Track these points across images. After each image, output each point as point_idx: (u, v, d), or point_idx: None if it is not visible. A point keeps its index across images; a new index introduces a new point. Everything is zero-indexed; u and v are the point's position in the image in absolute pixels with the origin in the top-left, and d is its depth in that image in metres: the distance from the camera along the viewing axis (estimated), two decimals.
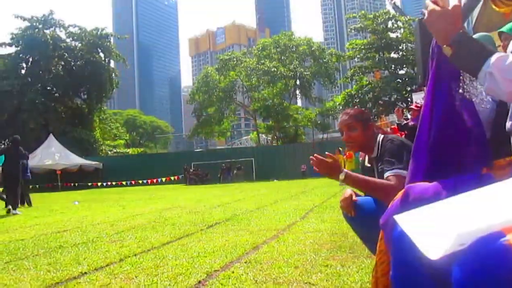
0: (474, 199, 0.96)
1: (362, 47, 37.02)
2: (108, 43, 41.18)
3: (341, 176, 2.23)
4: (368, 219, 2.25)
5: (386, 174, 2.23)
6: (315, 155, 2.30)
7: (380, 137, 2.49)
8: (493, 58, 1.17)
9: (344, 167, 14.38)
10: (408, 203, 1.23)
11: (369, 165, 2.61)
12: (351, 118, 2.50)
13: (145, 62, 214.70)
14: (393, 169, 2.23)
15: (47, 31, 39.16)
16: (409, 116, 9.92)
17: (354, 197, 2.49)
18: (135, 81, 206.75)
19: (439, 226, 0.88)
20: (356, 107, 35.61)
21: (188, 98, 48.46)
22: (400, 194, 1.32)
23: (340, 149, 18.43)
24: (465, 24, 6.71)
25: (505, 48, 4.56)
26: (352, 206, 2.48)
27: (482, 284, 0.78)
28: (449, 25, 1.26)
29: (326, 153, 2.32)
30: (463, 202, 0.96)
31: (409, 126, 8.46)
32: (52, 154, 29.80)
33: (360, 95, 36.62)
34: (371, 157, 2.55)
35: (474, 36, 4.60)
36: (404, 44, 36.35)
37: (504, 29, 4.66)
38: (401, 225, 0.97)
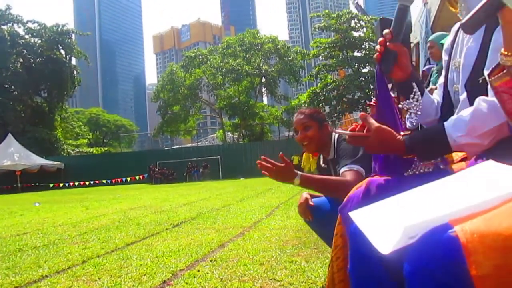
0: (425, 193, 1.00)
1: (326, 45, 37.47)
2: (69, 40, 40.07)
3: (296, 181, 2.08)
4: (325, 220, 2.27)
5: (341, 171, 2.21)
6: (262, 157, 2.14)
7: (335, 136, 2.47)
8: (457, 133, 1.20)
9: (310, 166, 14.20)
10: (369, 197, 1.26)
11: (324, 165, 2.59)
12: (306, 117, 2.48)
13: (108, 60, 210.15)
14: (346, 164, 2.21)
15: (4, 27, 37.73)
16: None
17: (310, 202, 2.50)
18: (98, 79, 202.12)
19: (391, 221, 0.92)
20: (320, 104, 36.13)
21: (152, 96, 47.76)
22: (360, 186, 1.35)
23: None
24: (423, 23, 6.87)
25: (432, 55, 4.75)
26: (308, 210, 2.49)
27: (431, 274, 0.81)
28: (391, 148, 1.28)
29: (280, 153, 2.19)
30: (415, 196, 1.00)
31: None
32: (11, 155, 28.78)
33: (325, 93, 37.07)
34: (328, 158, 2.52)
35: (432, 37, 4.74)
36: (366, 43, 37.01)
37: (432, 37, 4.84)
38: (355, 221, 1.00)
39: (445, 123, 1.24)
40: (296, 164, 31.42)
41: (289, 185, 11.74)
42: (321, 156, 2.67)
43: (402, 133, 1.30)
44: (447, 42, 1.59)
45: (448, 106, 1.52)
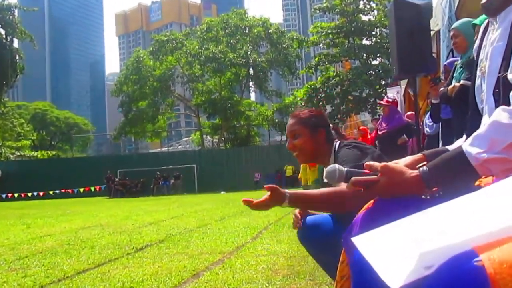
0: (444, 213, 1.00)
1: (329, 31, 37.72)
2: (11, 17, 39.77)
3: (284, 204, 2.08)
4: (324, 239, 2.31)
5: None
6: (243, 199, 2.16)
7: (336, 144, 2.51)
8: (477, 150, 1.23)
9: (308, 178, 14.32)
10: (378, 219, 1.27)
11: (326, 180, 2.61)
12: (296, 122, 2.54)
13: (60, 42, 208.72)
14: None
15: None
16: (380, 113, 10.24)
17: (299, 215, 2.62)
18: (46, 66, 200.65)
19: (402, 247, 0.92)
20: (321, 103, 36.32)
21: (114, 88, 47.61)
22: (367, 207, 1.36)
23: None
24: (446, 7, 6.96)
25: (456, 47, 4.85)
26: (298, 217, 2.60)
27: None
28: (408, 187, 1.31)
29: (264, 186, 2.13)
30: (432, 217, 1.00)
31: (380, 135, 8.74)
32: None
33: (326, 88, 37.30)
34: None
35: (456, 24, 4.81)
36: (378, 29, 37.37)
37: (456, 24, 4.95)
38: (359, 248, 1.01)
39: (463, 143, 1.29)
40: (290, 175, 31.61)
41: None
42: (323, 169, 2.67)
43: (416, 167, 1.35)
44: (476, 43, 1.63)
45: (476, 118, 1.55)
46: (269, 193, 2.08)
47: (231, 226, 7.75)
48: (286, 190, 2.09)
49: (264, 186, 2.12)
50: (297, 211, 2.64)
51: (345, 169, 1.54)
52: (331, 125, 2.70)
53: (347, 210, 1.59)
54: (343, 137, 2.65)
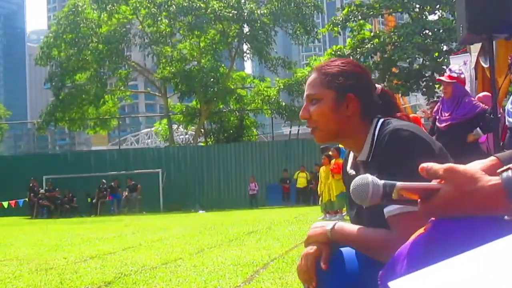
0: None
1: None
2: None
3: (328, 234, 2.37)
4: (349, 282, 2.32)
5: (388, 212, 2.22)
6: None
7: (378, 123, 2.46)
8: None
9: (332, 190, 14.56)
10: (432, 253, 1.28)
11: (353, 172, 2.61)
12: (318, 80, 2.52)
13: None
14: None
15: None
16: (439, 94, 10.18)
17: (323, 263, 2.44)
18: None
19: None
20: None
21: (38, 54, 47.41)
22: (417, 235, 1.37)
23: (330, 153, 17.92)
24: None
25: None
26: (313, 275, 2.44)
27: None
28: (483, 199, 1.31)
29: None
30: (502, 253, 1.01)
31: (440, 128, 8.68)
32: None
33: (359, 56, 37.29)
34: (358, 160, 2.53)
35: None
36: None
37: None
38: None
39: None
40: (303, 187, 31.57)
41: (287, 226, 11.76)
42: (350, 155, 2.70)
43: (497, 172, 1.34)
44: None
45: None
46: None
47: (214, 262, 7.74)
48: (328, 229, 2.36)
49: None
50: (310, 256, 2.44)
51: (382, 182, 1.53)
52: (377, 86, 2.67)
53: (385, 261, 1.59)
54: (395, 109, 2.62)
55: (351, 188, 1.62)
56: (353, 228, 2.31)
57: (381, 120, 2.46)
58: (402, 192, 1.37)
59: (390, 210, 2.21)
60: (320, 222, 2.52)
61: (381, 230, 2.25)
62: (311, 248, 2.45)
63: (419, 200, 1.38)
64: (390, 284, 1.06)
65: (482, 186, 1.28)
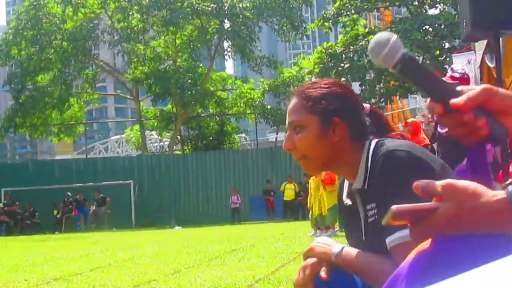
0: None
1: None
2: None
3: (333, 258, 2.42)
4: None
5: (389, 242, 2.25)
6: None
7: (371, 144, 2.46)
8: None
9: (323, 203, 14.63)
10: (433, 270, 1.32)
11: (349, 202, 2.63)
12: (300, 105, 2.53)
13: None
14: (398, 229, 2.19)
15: None
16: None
17: (322, 273, 2.49)
18: None
19: None
20: (343, 78, 36.23)
21: None
22: (418, 251, 1.42)
23: None
24: None
25: None
26: (311, 285, 2.51)
27: None
28: (487, 215, 1.32)
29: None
30: (501, 275, 1.06)
31: (441, 134, 8.76)
32: None
33: (351, 54, 37.37)
34: (353, 188, 2.54)
35: None
36: None
37: None
38: None
39: None
40: (290, 199, 31.49)
41: (273, 243, 11.82)
42: (344, 183, 2.70)
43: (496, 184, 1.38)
44: None
45: None
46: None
47: (192, 284, 7.77)
48: (333, 253, 2.41)
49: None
50: (308, 268, 2.51)
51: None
52: (365, 106, 2.66)
53: None
54: (386, 129, 2.64)
55: (370, 43, 1.60)
56: (361, 257, 2.34)
57: (374, 141, 2.48)
58: (394, 218, 1.38)
59: (391, 240, 2.25)
60: (326, 239, 2.56)
61: (377, 260, 2.30)
62: (311, 260, 2.51)
63: (408, 224, 1.40)
64: None
65: (486, 202, 1.29)
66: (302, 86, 2.63)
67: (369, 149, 2.46)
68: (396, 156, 2.31)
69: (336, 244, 2.43)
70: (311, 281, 2.47)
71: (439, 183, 1.34)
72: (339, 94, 2.53)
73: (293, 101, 2.57)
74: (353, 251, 2.37)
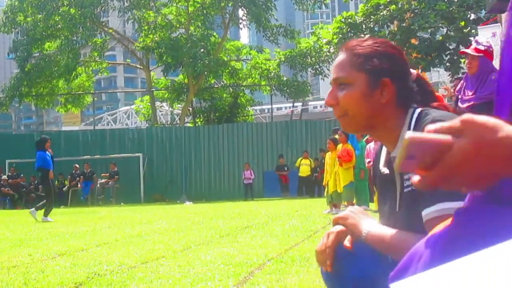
0: None
1: None
2: None
3: (363, 235, 2.43)
4: (361, 280, 2.39)
5: (426, 215, 2.23)
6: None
7: (415, 113, 2.44)
8: None
9: (337, 176, 14.52)
10: (453, 247, 1.30)
11: (386, 171, 2.61)
12: (347, 61, 2.50)
13: None
14: (437, 201, 2.18)
15: None
16: (464, 70, 10.14)
17: (346, 242, 2.50)
18: None
19: None
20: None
21: (1, 20, 47.16)
22: (438, 229, 1.39)
23: (336, 137, 17.94)
24: None
25: None
26: (331, 256, 2.50)
27: None
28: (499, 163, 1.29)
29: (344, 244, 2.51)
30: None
31: (462, 109, 8.64)
32: None
33: (372, 24, 37.19)
34: (392, 156, 2.51)
35: None
36: None
37: None
38: None
39: None
40: (306, 175, 31.40)
41: (288, 220, 11.80)
42: (382, 150, 2.70)
43: None
44: None
45: None
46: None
47: (201, 262, 7.73)
48: (364, 229, 2.42)
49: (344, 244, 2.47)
50: (332, 235, 2.59)
51: None
52: (412, 72, 2.62)
53: None
54: (430, 98, 2.59)
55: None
56: (393, 235, 2.34)
57: (418, 110, 2.45)
58: (408, 150, 1.33)
59: (427, 213, 2.21)
60: (360, 210, 2.57)
61: (410, 236, 2.24)
62: (338, 227, 2.56)
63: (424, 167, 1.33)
64: (392, 286, 1.07)
65: (506, 135, 1.26)
66: (352, 42, 2.58)
67: (412, 117, 2.44)
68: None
69: (368, 221, 2.45)
70: (333, 249, 2.51)
71: (458, 119, 1.30)
72: (390, 55, 2.51)
73: (341, 56, 2.54)
74: (384, 230, 2.38)
